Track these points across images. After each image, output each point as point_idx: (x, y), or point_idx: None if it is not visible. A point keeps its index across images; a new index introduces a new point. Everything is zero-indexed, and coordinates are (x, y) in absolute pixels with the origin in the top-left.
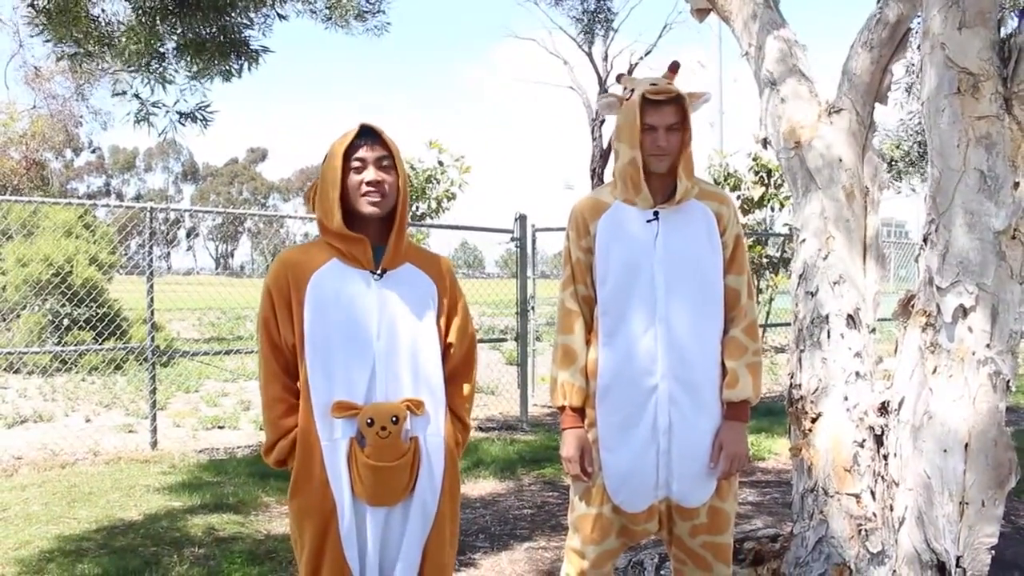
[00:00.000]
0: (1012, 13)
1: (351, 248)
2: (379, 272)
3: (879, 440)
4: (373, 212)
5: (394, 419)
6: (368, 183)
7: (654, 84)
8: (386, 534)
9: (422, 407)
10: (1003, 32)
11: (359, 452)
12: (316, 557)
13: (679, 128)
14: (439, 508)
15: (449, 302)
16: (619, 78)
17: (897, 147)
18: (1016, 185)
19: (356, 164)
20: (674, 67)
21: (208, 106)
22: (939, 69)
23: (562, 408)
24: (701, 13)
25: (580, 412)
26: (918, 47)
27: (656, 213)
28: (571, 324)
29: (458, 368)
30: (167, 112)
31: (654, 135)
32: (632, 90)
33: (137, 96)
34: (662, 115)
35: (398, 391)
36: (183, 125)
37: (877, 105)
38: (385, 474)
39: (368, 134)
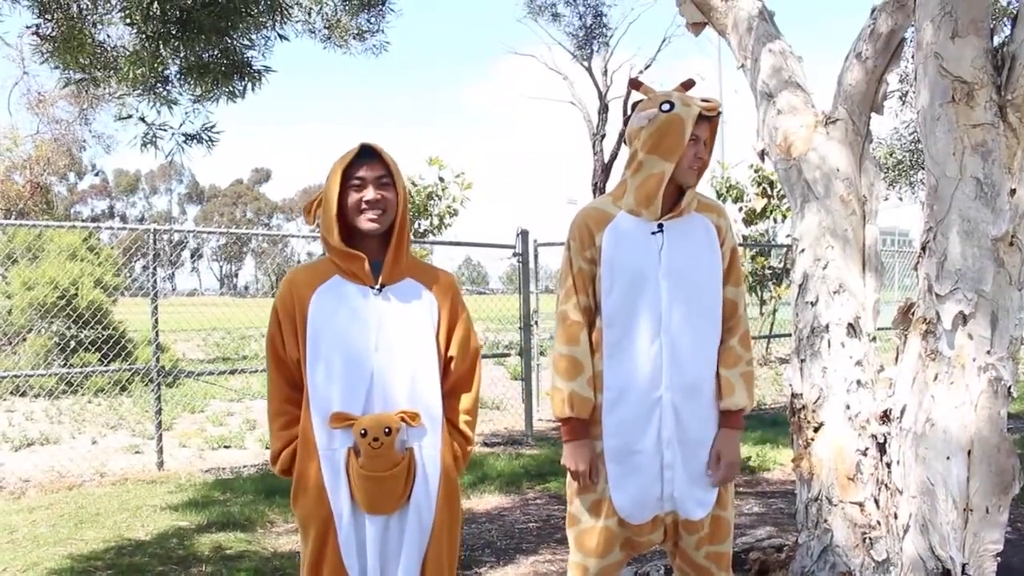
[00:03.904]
0: (1004, 21)
1: (349, 265)
2: (378, 287)
3: (882, 448)
4: (373, 229)
5: (387, 430)
6: (367, 201)
7: (706, 100)
8: (385, 542)
9: (417, 419)
10: (996, 40)
11: (355, 461)
12: (317, 563)
13: (710, 142)
14: (435, 520)
15: (450, 316)
16: (636, 85)
17: (890, 155)
18: (1013, 192)
19: (356, 183)
20: (688, 84)
21: (213, 127)
22: (933, 78)
23: (566, 420)
24: (697, 27)
25: (585, 423)
26: (912, 57)
27: (660, 225)
28: (576, 335)
29: (460, 381)
30: (173, 134)
31: (697, 147)
32: (669, 103)
33: (143, 119)
34: (707, 128)
35: (395, 403)
36: (189, 146)
37: (873, 115)
38: (378, 483)
39: (368, 154)
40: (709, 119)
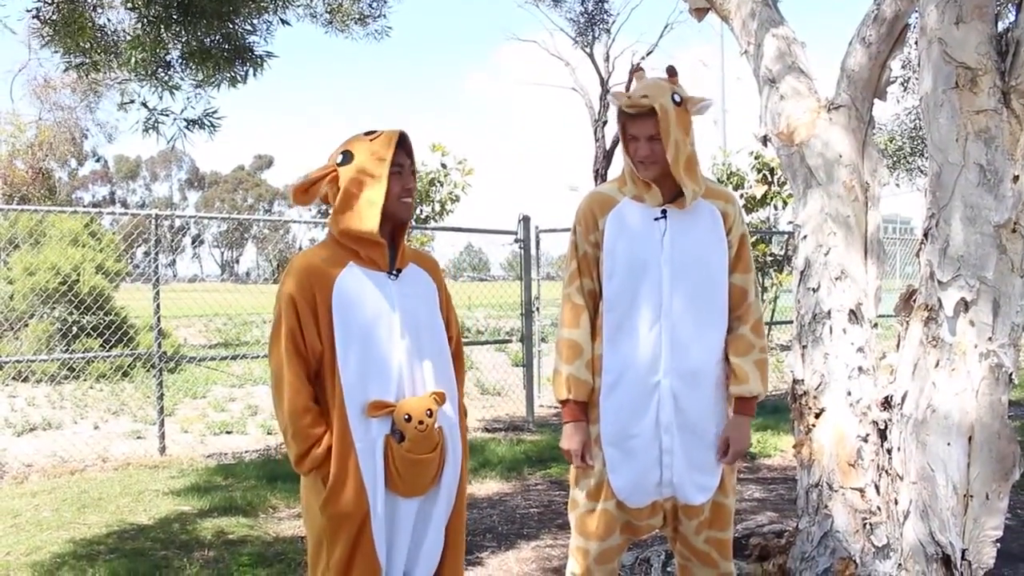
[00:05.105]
0: (1009, 6)
1: (370, 252)
2: (395, 273)
3: (883, 434)
4: (408, 217)
5: (428, 412)
6: (406, 189)
7: (630, 97)
8: (416, 523)
9: (444, 398)
10: (1000, 26)
11: (396, 447)
12: (349, 560)
13: (660, 138)
14: (458, 492)
15: (445, 297)
16: (635, 72)
17: (890, 141)
18: (1016, 178)
19: (397, 170)
20: (670, 71)
21: (215, 112)
22: (937, 64)
23: (564, 401)
24: (700, 12)
25: (583, 406)
26: (916, 43)
27: (664, 211)
28: (577, 318)
29: (455, 358)
30: (175, 120)
31: (636, 144)
32: (609, 102)
33: (145, 105)
34: (641, 126)
35: (422, 386)
36: (191, 132)
37: (876, 101)
38: (422, 466)
39: (401, 141)
40: (651, 116)
